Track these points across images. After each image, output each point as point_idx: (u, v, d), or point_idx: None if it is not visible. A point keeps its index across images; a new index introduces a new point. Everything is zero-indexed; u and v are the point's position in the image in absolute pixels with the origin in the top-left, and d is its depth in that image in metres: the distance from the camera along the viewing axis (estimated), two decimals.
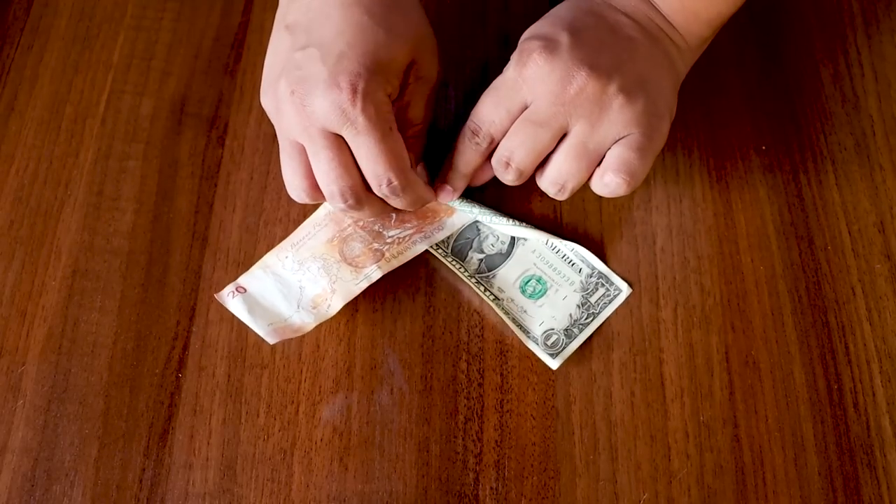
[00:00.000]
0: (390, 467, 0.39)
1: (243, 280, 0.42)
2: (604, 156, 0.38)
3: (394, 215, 0.44)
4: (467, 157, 0.40)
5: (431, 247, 0.43)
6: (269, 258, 0.43)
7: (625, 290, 0.42)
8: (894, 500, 0.38)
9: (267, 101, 0.39)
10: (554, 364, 0.40)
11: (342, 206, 0.38)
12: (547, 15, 0.40)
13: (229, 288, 0.42)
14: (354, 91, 0.35)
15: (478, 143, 0.39)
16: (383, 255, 0.42)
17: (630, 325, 0.42)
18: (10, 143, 0.47)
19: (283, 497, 0.38)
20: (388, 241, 0.43)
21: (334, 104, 0.35)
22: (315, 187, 0.38)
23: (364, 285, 0.41)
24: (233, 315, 0.41)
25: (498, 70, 0.49)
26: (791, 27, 0.50)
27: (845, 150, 0.47)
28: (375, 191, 0.38)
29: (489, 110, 0.39)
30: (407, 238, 0.43)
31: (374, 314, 0.42)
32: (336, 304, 0.41)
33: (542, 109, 0.37)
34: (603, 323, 0.42)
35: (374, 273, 0.42)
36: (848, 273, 0.43)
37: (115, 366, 0.41)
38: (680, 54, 0.41)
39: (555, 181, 0.39)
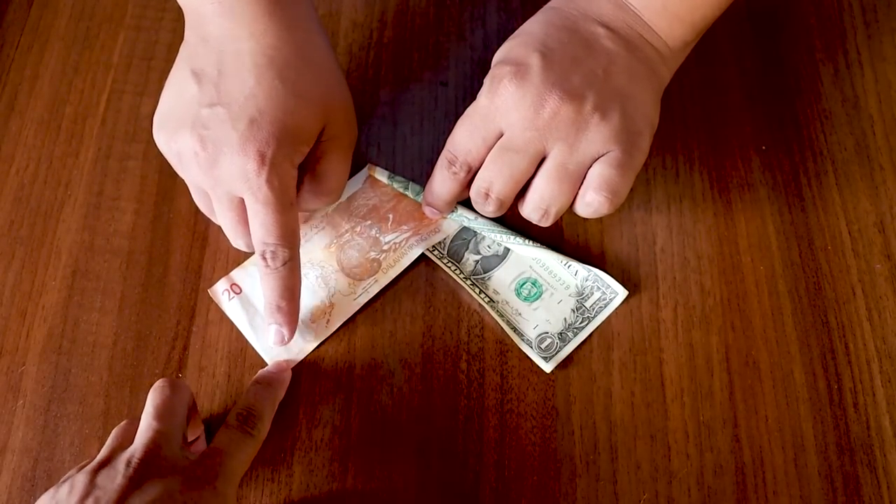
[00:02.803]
0: (390, 467, 0.39)
1: (237, 276, 0.43)
2: (584, 176, 0.37)
3: (390, 217, 0.44)
4: (447, 186, 0.40)
5: (427, 249, 0.43)
6: None
7: (621, 293, 0.42)
8: (894, 500, 0.38)
9: (166, 144, 0.39)
10: (547, 367, 0.40)
11: (261, 261, 0.38)
12: (519, 32, 0.39)
13: (223, 284, 0.42)
14: (262, 161, 0.36)
15: (455, 173, 0.39)
16: (380, 265, 0.43)
17: (630, 325, 0.42)
18: (10, 143, 0.47)
19: (283, 497, 0.38)
20: (385, 247, 0.43)
21: (240, 171, 0.36)
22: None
23: (363, 301, 0.42)
24: None
25: None
26: (791, 27, 0.50)
27: (845, 150, 0.47)
28: (258, 255, 0.38)
29: (464, 139, 0.38)
30: (403, 242, 0.43)
31: (374, 314, 0.42)
32: (335, 321, 0.42)
33: (517, 136, 0.37)
34: (603, 323, 0.42)
35: (373, 287, 0.42)
36: (848, 273, 0.43)
37: (115, 366, 0.41)
38: (662, 60, 0.39)
39: (537, 206, 0.38)
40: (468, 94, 0.48)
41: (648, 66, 0.39)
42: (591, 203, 0.37)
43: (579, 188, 0.38)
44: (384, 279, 0.42)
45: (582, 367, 0.41)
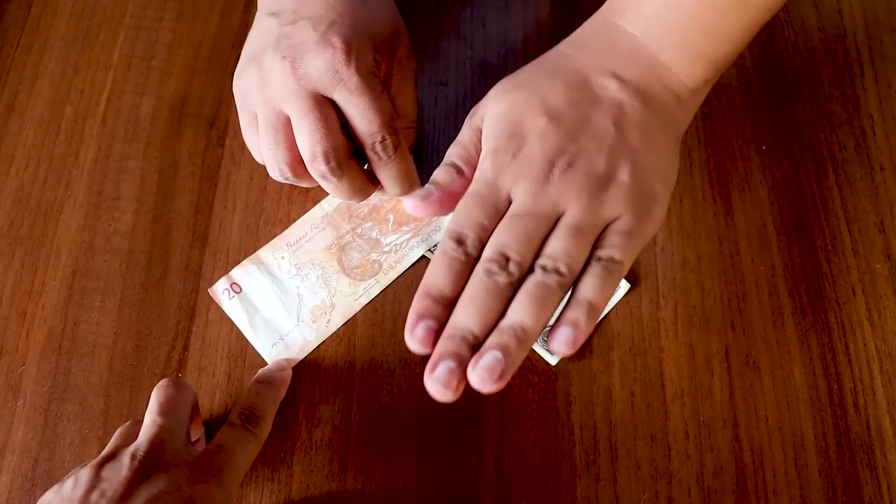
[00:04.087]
0: (390, 467, 0.39)
1: (237, 275, 0.43)
2: (598, 236, 0.34)
3: (391, 218, 0.44)
4: (454, 271, 0.32)
5: (428, 249, 0.43)
6: (264, 254, 0.43)
7: (623, 286, 0.42)
8: (894, 500, 0.38)
9: (247, 77, 0.38)
10: (553, 360, 0.40)
11: (323, 168, 0.37)
12: (523, 82, 0.37)
13: (223, 283, 0.42)
14: (348, 51, 0.36)
15: (466, 252, 0.33)
16: (381, 266, 0.43)
17: (630, 325, 0.42)
18: (10, 143, 0.47)
19: (283, 497, 0.38)
20: (386, 249, 0.43)
21: (328, 64, 0.36)
22: (297, 161, 0.38)
23: (363, 301, 0.42)
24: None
25: (498, 70, 0.49)
26: (791, 27, 0.50)
27: (845, 150, 0.47)
28: (367, 149, 0.38)
29: (475, 212, 0.34)
30: (404, 243, 0.43)
31: (373, 314, 0.42)
32: (336, 321, 0.42)
33: (529, 203, 0.34)
34: (603, 323, 0.42)
35: (374, 288, 0.42)
36: (848, 273, 0.43)
37: (115, 366, 0.41)
38: (681, 104, 0.37)
39: (555, 259, 0.33)
40: (468, 94, 0.48)
41: (665, 117, 0.37)
42: (595, 272, 0.34)
43: (591, 248, 0.34)
44: (385, 280, 0.43)
45: (582, 367, 0.41)
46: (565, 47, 0.38)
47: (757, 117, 0.48)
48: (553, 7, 0.51)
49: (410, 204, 0.36)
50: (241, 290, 0.42)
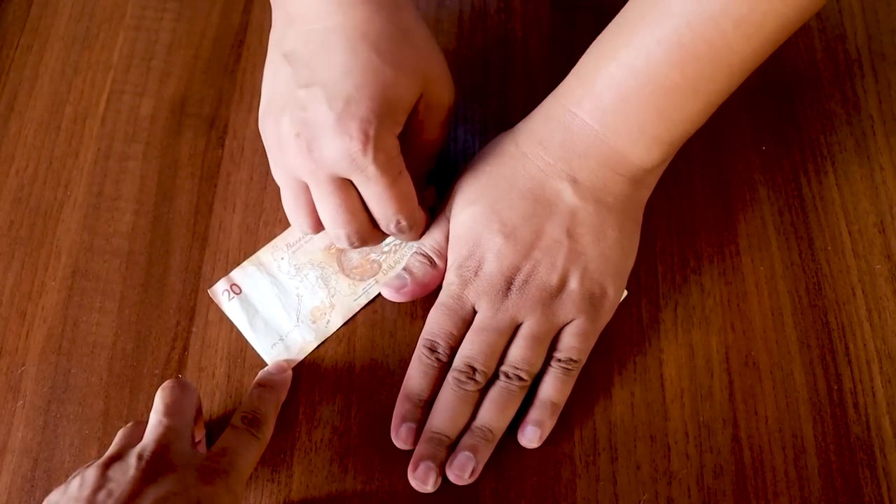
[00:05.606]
0: (390, 467, 0.39)
1: (237, 276, 0.43)
2: (555, 336, 0.39)
3: None
4: (430, 375, 0.39)
5: None
6: (263, 255, 0.43)
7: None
8: (894, 501, 0.38)
9: (267, 131, 0.38)
10: None
11: (346, 245, 0.39)
12: (479, 196, 0.40)
13: (222, 285, 0.42)
14: (365, 139, 0.34)
15: (438, 358, 0.39)
16: (381, 266, 0.43)
17: (630, 326, 0.42)
18: (10, 143, 0.47)
19: (282, 497, 0.38)
20: (386, 249, 0.43)
21: (344, 152, 0.34)
22: (319, 224, 0.39)
23: (363, 301, 0.42)
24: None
25: (497, 70, 0.49)
26: None
27: (845, 150, 0.47)
28: (384, 229, 0.39)
29: (444, 323, 0.39)
30: (403, 244, 0.43)
31: (373, 314, 0.42)
32: (335, 321, 0.42)
33: (490, 318, 0.39)
34: None
35: (373, 289, 0.42)
36: (848, 273, 0.43)
37: (115, 366, 0.41)
38: (636, 187, 0.40)
39: (515, 369, 0.38)
40: (468, 94, 0.48)
41: (619, 210, 0.39)
42: (556, 374, 0.39)
43: (549, 349, 0.39)
44: (385, 280, 0.42)
45: (582, 366, 0.41)
46: (526, 142, 0.40)
47: (757, 117, 0.47)
48: (553, 7, 0.51)
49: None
50: (240, 291, 0.42)
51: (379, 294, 0.42)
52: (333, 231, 0.38)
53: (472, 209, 0.40)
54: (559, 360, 0.39)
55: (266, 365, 0.41)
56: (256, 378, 0.40)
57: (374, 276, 0.43)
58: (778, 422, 0.40)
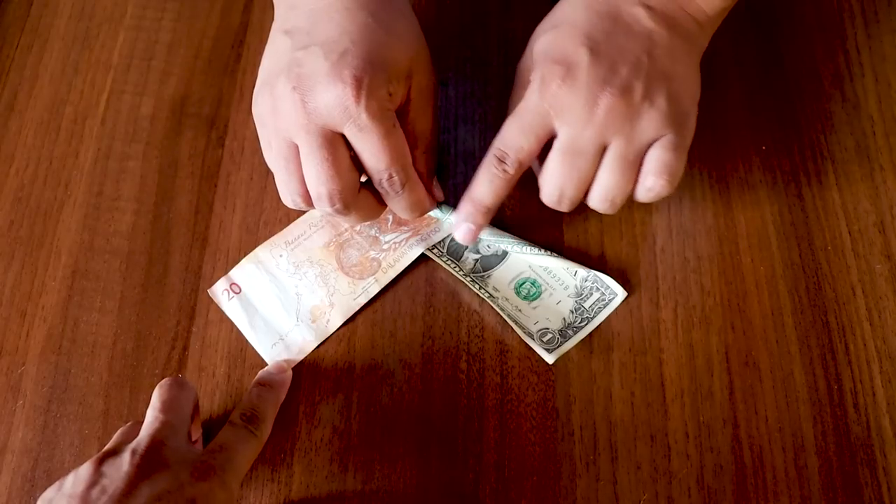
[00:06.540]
0: (390, 467, 0.39)
1: (235, 275, 0.43)
2: (642, 161, 0.38)
3: (390, 217, 0.44)
4: (494, 186, 0.39)
5: (427, 248, 0.43)
6: (262, 253, 0.43)
7: (620, 294, 0.42)
8: (894, 501, 0.38)
9: (262, 101, 0.38)
10: (550, 358, 0.40)
11: (328, 209, 0.37)
12: (560, 19, 0.39)
13: (222, 284, 0.42)
14: (358, 86, 0.35)
15: (505, 170, 0.38)
16: (380, 264, 0.43)
17: (630, 326, 0.42)
18: (10, 143, 0.47)
19: (283, 497, 0.38)
20: (385, 247, 0.43)
21: (337, 100, 0.35)
22: (309, 196, 0.38)
23: (362, 301, 0.42)
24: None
25: (498, 70, 0.49)
26: (791, 27, 0.50)
27: (845, 150, 0.47)
28: (376, 185, 0.38)
29: (516, 136, 0.38)
30: (403, 242, 0.43)
31: (373, 314, 0.42)
32: (335, 321, 0.42)
33: (577, 137, 0.37)
34: (603, 323, 0.42)
35: (372, 287, 0.42)
36: (848, 273, 0.43)
37: (115, 366, 0.41)
38: (701, 29, 0.40)
39: (604, 199, 0.39)
40: (468, 94, 0.48)
41: (688, 41, 0.39)
42: (652, 188, 0.38)
43: (638, 174, 0.38)
44: (384, 279, 0.42)
45: (582, 367, 0.41)
46: None
47: (757, 117, 0.47)
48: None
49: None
50: (240, 290, 0.42)
51: (378, 293, 0.42)
52: (315, 190, 0.37)
53: (551, 34, 0.39)
54: (657, 175, 0.38)
55: (266, 364, 0.41)
56: (256, 377, 0.40)
57: (373, 274, 0.43)
58: (778, 421, 0.40)
